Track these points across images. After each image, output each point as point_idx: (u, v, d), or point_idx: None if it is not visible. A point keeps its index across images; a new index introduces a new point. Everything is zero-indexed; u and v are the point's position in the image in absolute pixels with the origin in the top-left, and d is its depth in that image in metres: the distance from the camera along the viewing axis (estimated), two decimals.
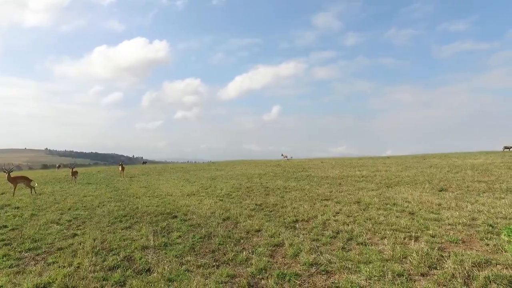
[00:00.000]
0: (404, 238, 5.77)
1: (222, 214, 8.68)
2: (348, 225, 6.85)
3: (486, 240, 5.44)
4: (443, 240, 5.59)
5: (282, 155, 39.89)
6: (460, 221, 6.65)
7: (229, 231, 6.99)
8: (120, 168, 23.86)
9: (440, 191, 10.69)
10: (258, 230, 6.90)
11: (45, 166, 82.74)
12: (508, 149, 41.18)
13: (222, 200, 11.01)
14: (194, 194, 12.72)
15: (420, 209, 7.92)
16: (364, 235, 6.08)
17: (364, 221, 7.05)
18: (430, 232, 6.04)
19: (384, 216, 7.40)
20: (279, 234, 6.44)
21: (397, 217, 7.32)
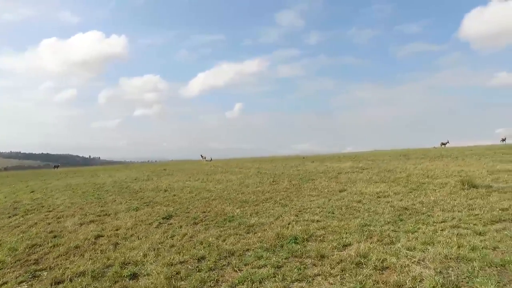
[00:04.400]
0: None
1: None
2: None
3: None
4: None
5: (201, 156, 37.17)
6: None
7: None
8: None
9: (164, 218, 8.09)
10: None
11: None
12: (444, 145, 40.00)
13: None
14: None
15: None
16: None
17: None
18: None
19: None
20: None
21: None
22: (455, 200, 7.29)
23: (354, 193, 9.13)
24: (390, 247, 4.77)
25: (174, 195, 11.42)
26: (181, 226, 7.18)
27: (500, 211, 6.11)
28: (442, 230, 5.36)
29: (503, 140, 35.29)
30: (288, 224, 6.56)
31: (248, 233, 6.25)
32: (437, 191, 8.51)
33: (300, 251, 4.97)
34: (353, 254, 4.48)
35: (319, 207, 7.69)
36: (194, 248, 5.58)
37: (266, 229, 6.27)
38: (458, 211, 6.37)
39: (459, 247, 4.57)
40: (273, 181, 12.91)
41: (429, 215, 6.29)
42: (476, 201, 6.98)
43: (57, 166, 42.85)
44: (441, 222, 5.80)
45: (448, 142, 39.97)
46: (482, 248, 4.48)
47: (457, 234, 5.09)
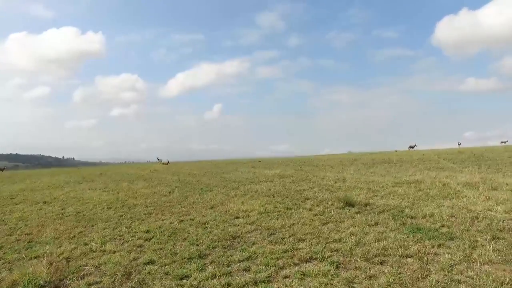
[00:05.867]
0: None
1: None
2: None
3: None
4: None
5: (157, 158, 35.55)
6: None
7: None
8: None
9: None
10: None
11: None
12: (412, 148, 39.63)
13: None
14: None
15: None
16: None
17: None
18: None
19: None
20: None
21: None
22: (304, 225, 6.00)
23: (219, 211, 7.79)
24: None
25: (40, 209, 9.95)
26: None
27: (331, 244, 4.83)
28: (222, 275, 4.02)
29: (459, 144, 35.37)
30: (67, 258, 5.15)
31: (7, 270, 4.82)
32: (308, 210, 7.23)
33: None
34: None
35: (148, 232, 6.29)
36: None
37: (35, 264, 4.82)
38: (284, 244, 5.06)
39: None
40: (169, 192, 11.52)
41: (244, 249, 4.94)
42: (325, 227, 5.72)
43: (2, 169, 40.32)
44: (242, 261, 4.47)
45: (415, 145, 39.78)
46: None
47: (226, 283, 3.77)
